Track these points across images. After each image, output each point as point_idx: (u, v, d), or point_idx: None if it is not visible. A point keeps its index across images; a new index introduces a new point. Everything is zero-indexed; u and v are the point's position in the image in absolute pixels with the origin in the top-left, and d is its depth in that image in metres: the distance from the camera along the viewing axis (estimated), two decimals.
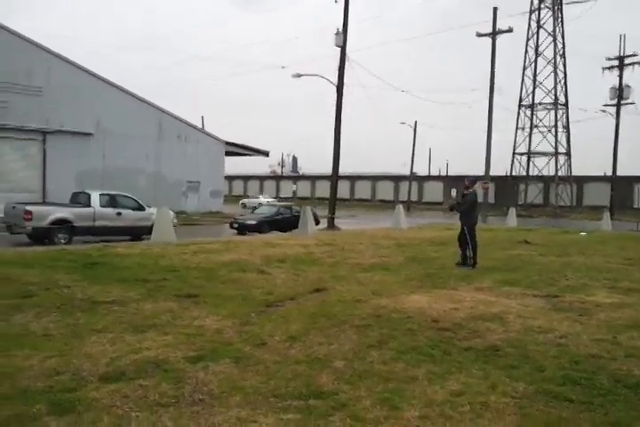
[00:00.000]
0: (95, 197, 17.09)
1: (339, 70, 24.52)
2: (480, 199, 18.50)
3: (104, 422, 3.56)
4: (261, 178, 78.30)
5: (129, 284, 8.17)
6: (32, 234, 15.81)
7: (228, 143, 35.54)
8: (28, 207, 15.77)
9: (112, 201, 17.50)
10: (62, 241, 15.57)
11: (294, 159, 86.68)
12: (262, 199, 48.16)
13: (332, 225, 23.96)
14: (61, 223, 15.90)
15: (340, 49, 24.40)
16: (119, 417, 3.65)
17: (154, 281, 8.45)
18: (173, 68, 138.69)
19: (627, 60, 41.36)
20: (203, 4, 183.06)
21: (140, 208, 17.89)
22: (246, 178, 78.73)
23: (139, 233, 17.35)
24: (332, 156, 25.17)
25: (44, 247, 13.11)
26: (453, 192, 52.13)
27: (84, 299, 7.11)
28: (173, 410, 3.79)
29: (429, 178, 64.09)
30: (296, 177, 72.91)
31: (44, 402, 3.84)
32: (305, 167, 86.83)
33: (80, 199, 17.60)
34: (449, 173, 67.62)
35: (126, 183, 26.27)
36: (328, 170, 26.83)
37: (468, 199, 11.47)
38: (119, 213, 17.19)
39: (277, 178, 77.39)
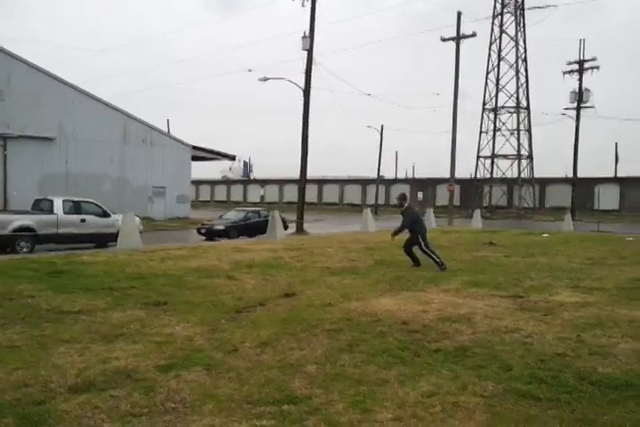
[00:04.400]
0: (58, 204, 16.74)
1: (305, 74, 24.63)
2: (446, 201, 18.74)
3: None
4: (228, 182, 77.77)
5: (95, 292, 8.04)
6: None
7: (194, 147, 35.24)
8: None
9: (76, 207, 17.19)
10: (25, 249, 15.22)
11: (245, 164, 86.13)
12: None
13: (300, 229, 23.98)
14: (23, 231, 15.53)
15: (306, 53, 24.50)
16: None
17: (121, 289, 8.34)
18: (143, 73, 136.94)
19: (586, 65, 42.59)
20: (175, 8, 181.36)
21: (105, 215, 17.63)
22: (213, 183, 78.10)
23: (104, 240, 17.06)
24: (299, 160, 25.21)
25: (6, 256, 12.78)
26: (420, 195, 52.84)
27: (50, 309, 6.96)
28: (146, 420, 3.75)
29: (396, 181, 64.65)
30: (264, 181, 72.52)
31: (13, 415, 3.76)
32: (271, 172, 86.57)
33: (43, 206, 17.23)
34: (415, 176, 68.28)
35: (91, 189, 25.87)
36: (295, 174, 26.86)
37: (407, 216, 11.86)
38: (83, 220, 16.89)
39: (245, 182, 76.94)
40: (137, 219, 15.95)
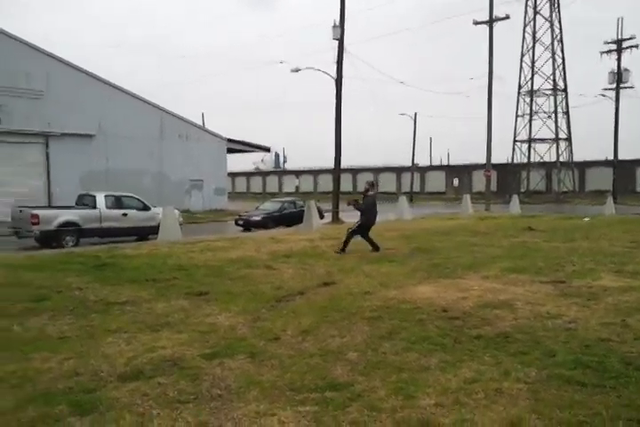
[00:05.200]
0: (101, 199, 17.16)
1: (337, 63, 24.49)
2: (482, 188, 18.49)
3: (126, 421, 3.64)
4: (263, 174, 78.29)
5: (139, 284, 8.26)
6: (40, 238, 15.90)
7: (229, 140, 35.57)
8: (35, 211, 15.87)
9: (118, 202, 17.58)
10: (70, 244, 15.68)
11: (276, 155, 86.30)
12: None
13: (336, 218, 24.01)
14: (68, 226, 16.00)
15: (337, 42, 24.36)
16: (140, 415, 3.73)
17: (164, 280, 8.54)
18: (175, 68, 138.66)
19: (625, 44, 41.25)
20: (205, 2, 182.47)
21: (146, 208, 17.99)
22: (248, 174, 78.75)
23: (145, 233, 17.45)
24: (333, 150, 25.18)
25: (53, 250, 13.22)
26: (456, 182, 52.15)
27: (97, 300, 7.19)
28: (193, 406, 3.87)
29: (431, 168, 63.99)
30: (299, 172, 72.74)
31: (66, 403, 3.92)
32: (305, 162, 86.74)
33: (86, 201, 17.68)
34: (450, 163, 67.42)
35: (130, 184, 26.37)
36: (329, 164, 26.84)
37: (366, 202, 12.29)
38: (125, 214, 17.28)
39: (280, 173, 77.30)
40: (176, 212, 16.24)
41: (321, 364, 4.66)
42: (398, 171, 63.30)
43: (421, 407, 3.76)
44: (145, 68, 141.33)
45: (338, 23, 24.19)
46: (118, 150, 28.79)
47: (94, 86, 28.16)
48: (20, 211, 16.29)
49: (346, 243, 11.93)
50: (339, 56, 24.41)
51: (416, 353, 4.88)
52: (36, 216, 15.49)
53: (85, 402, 3.94)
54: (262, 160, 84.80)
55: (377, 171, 66.49)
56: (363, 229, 12.22)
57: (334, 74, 24.60)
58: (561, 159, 49.62)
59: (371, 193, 12.43)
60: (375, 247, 11.99)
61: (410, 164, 55.08)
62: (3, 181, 24.54)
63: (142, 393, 4.09)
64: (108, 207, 17.07)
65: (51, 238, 15.68)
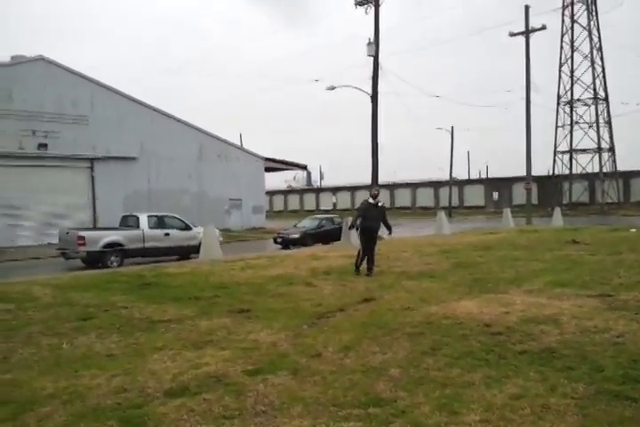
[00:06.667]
0: (144, 220, 17.61)
1: (372, 80, 24.65)
2: (522, 201, 18.13)
3: None
4: (300, 191, 78.80)
5: (183, 302, 8.42)
6: (86, 258, 16.39)
7: (266, 159, 36.06)
8: (81, 233, 16.39)
9: (160, 222, 18.01)
10: (115, 264, 16.10)
11: (308, 173, 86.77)
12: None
13: None
14: (113, 246, 16.44)
15: (372, 58, 24.56)
16: None
17: (206, 298, 8.69)
18: (211, 88, 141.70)
19: None
20: (240, 22, 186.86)
21: (187, 228, 18.34)
22: (286, 192, 79.36)
23: (186, 252, 17.80)
24: (370, 166, 25.24)
25: (98, 270, 13.59)
26: (495, 195, 51.35)
27: (142, 318, 7.36)
28: (238, 422, 3.92)
29: (469, 182, 63.27)
30: (335, 188, 72.95)
31: (115, 419, 4.02)
32: (343, 179, 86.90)
33: (129, 222, 18.17)
34: (489, 176, 66.55)
35: (171, 204, 27.00)
36: (367, 180, 26.89)
37: (358, 208, 11.99)
38: (167, 234, 17.66)
39: (317, 191, 77.68)
40: (216, 231, 16.51)
41: (363, 380, 4.66)
42: (436, 185, 62.79)
43: (466, 424, 3.73)
44: (184, 87, 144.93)
45: (372, 40, 24.42)
46: (159, 171, 29.54)
47: (136, 110, 29.06)
48: (67, 233, 16.84)
49: (357, 258, 11.48)
50: (374, 73, 24.59)
51: (459, 369, 4.83)
52: (82, 238, 15.99)
53: (134, 418, 4.04)
54: (294, 178, 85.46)
55: (414, 186, 66.10)
56: (363, 235, 11.58)
57: (369, 90, 24.78)
58: (604, 169, 48.46)
59: (370, 201, 11.72)
60: (368, 268, 11.18)
61: (447, 178, 54.61)
62: (50, 204, 25.42)
63: (188, 409, 4.17)
64: (150, 227, 17.49)
65: (96, 259, 16.14)
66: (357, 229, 11.86)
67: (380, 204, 11.82)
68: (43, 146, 25.36)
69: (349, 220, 19.02)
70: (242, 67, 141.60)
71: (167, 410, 4.16)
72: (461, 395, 4.23)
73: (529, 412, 3.87)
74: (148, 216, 18.02)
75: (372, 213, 11.58)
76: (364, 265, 11.34)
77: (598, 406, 3.92)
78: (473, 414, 3.87)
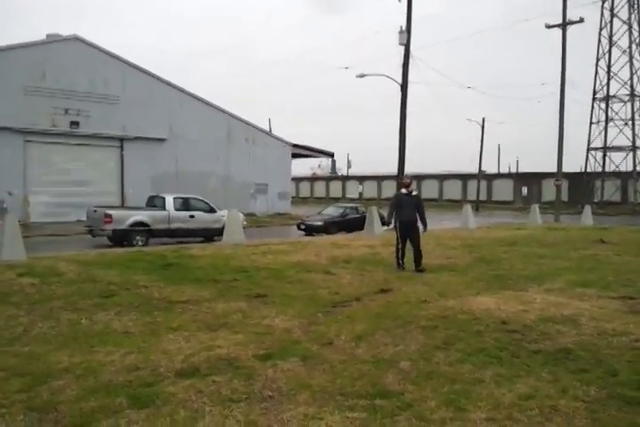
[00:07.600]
0: (170, 201, 17.80)
1: (403, 69, 24.38)
2: (552, 197, 17.76)
3: (180, 416, 3.78)
4: (327, 179, 78.66)
5: (202, 284, 8.51)
6: (112, 236, 16.66)
7: (294, 145, 36.03)
8: (108, 211, 16.64)
9: (185, 204, 18.19)
10: (140, 243, 16.33)
11: (333, 161, 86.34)
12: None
13: None
14: (139, 226, 16.68)
15: (403, 47, 24.26)
16: (194, 411, 3.86)
17: (225, 281, 8.76)
18: (243, 75, 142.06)
19: None
20: (277, 10, 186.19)
21: (212, 210, 18.49)
22: (312, 179, 79.34)
23: (210, 234, 17.96)
24: (397, 156, 25.05)
25: (123, 249, 13.80)
26: (524, 191, 50.50)
27: (161, 298, 7.47)
28: (244, 406, 3.96)
29: (499, 176, 62.32)
30: (362, 177, 72.61)
31: (125, 396, 4.10)
32: (370, 167, 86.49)
33: (156, 203, 18.39)
34: (519, 171, 65.45)
35: (198, 186, 27.18)
36: (394, 170, 26.72)
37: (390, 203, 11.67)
38: (192, 216, 17.84)
39: (343, 179, 77.45)
40: (241, 215, 16.60)
41: (372, 371, 4.66)
42: (464, 178, 62.00)
43: (472, 421, 3.70)
44: (218, 72, 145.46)
45: (404, 28, 24.09)
46: (187, 153, 29.73)
47: (166, 91, 29.22)
48: (95, 211, 17.11)
49: (397, 253, 11.07)
50: (405, 61, 24.30)
51: (470, 365, 4.80)
52: (110, 216, 16.24)
53: (143, 396, 4.11)
54: (319, 165, 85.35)
55: (442, 178, 65.43)
56: (401, 230, 11.07)
57: (399, 79, 24.51)
58: (638, 168, 47.23)
59: (403, 191, 11.49)
60: (416, 263, 10.68)
61: (476, 171, 53.90)
62: (80, 182, 25.87)
63: (197, 390, 4.23)
64: (176, 209, 17.68)
65: (122, 237, 16.40)
66: (394, 226, 11.32)
67: (413, 193, 11.50)
68: (75, 124, 25.73)
69: (373, 209, 18.99)
70: (272, 55, 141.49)
71: (176, 390, 4.22)
72: (470, 392, 4.20)
73: (537, 413, 3.83)
74: (174, 198, 18.20)
75: (406, 204, 11.17)
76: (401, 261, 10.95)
77: (609, 410, 3.86)
78: (479, 411, 3.84)
